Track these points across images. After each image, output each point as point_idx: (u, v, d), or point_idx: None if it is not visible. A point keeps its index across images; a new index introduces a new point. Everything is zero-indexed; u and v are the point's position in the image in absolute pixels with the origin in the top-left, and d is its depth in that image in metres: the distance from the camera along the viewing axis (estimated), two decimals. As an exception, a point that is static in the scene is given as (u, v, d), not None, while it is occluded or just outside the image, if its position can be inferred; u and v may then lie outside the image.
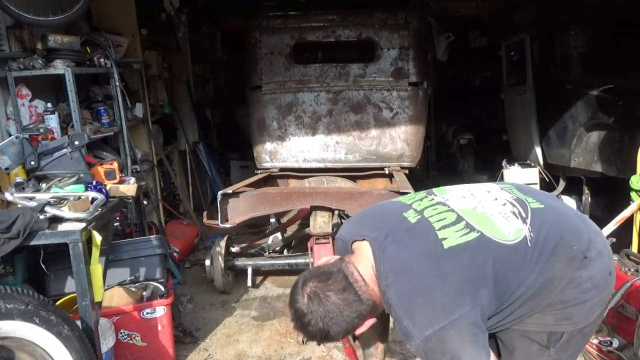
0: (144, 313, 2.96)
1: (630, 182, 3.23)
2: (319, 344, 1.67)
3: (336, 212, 4.08)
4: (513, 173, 5.13)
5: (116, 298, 3.02)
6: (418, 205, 1.63)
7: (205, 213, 4.47)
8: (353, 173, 4.75)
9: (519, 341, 1.61)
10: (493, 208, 1.59)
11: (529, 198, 1.64)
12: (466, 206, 1.60)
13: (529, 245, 1.51)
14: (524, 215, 1.57)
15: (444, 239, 1.48)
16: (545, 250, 1.51)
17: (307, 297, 1.50)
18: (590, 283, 1.53)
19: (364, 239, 1.58)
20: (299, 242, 4.70)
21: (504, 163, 5.30)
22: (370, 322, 1.58)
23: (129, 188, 2.77)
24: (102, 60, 3.85)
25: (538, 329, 1.57)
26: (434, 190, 1.74)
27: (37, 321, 2.11)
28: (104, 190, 2.61)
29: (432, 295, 1.43)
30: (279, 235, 4.56)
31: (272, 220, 4.50)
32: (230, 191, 3.80)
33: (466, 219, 1.54)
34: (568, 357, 1.63)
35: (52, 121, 3.26)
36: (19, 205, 2.33)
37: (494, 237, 1.51)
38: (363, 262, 1.54)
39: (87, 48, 3.77)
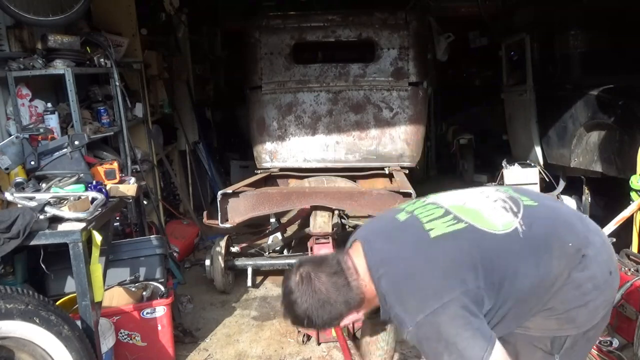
0: (144, 313, 2.96)
1: (630, 182, 3.24)
2: (306, 329, 1.69)
3: (336, 212, 4.08)
4: (513, 173, 5.13)
5: (116, 298, 3.02)
6: (410, 208, 1.67)
7: (205, 213, 4.48)
8: (353, 173, 4.75)
9: (522, 347, 1.58)
10: (483, 204, 1.60)
11: (523, 197, 1.64)
12: (456, 202, 1.62)
13: (521, 236, 1.50)
14: (515, 210, 1.56)
15: (431, 229, 1.51)
16: (538, 242, 1.51)
17: (299, 276, 1.54)
18: (590, 284, 1.51)
19: (356, 240, 1.63)
20: (299, 242, 4.69)
21: (504, 163, 5.30)
22: (355, 317, 1.59)
23: (129, 188, 2.77)
24: (102, 60, 3.84)
25: (541, 334, 1.55)
26: (430, 195, 1.77)
27: (37, 321, 2.11)
28: (104, 190, 2.60)
29: (421, 281, 1.44)
30: (279, 235, 4.55)
31: (272, 220, 4.49)
32: (230, 191, 3.80)
33: (454, 213, 1.56)
34: None
35: (52, 121, 3.25)
36: (19, 205, 2.33)
37: (482, 227, 1.51)
38: (357, 256, 1.58)
39: (87, 48, 3.77)
